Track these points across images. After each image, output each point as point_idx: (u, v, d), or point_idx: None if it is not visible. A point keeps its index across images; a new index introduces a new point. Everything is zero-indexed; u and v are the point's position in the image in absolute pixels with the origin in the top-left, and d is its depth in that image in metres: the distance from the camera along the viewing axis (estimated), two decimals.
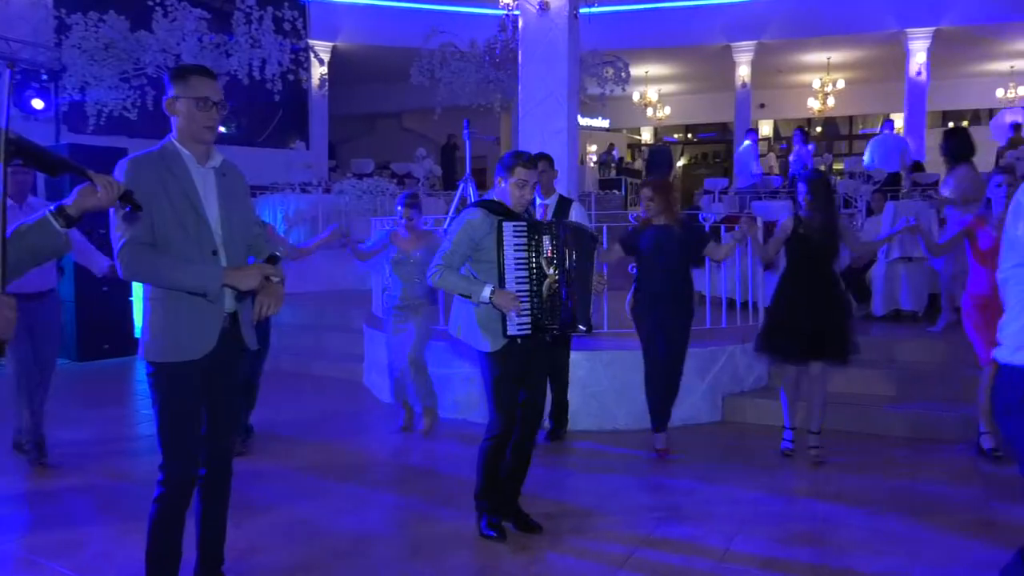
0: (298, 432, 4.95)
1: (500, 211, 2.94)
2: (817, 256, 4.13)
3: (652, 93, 17.76)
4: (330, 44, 14.37)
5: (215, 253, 2.30)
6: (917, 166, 10.46)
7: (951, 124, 16.15)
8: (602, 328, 5.31)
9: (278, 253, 2.40)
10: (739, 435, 4.88)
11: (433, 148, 14.25)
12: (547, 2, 5.82)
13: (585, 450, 4.59)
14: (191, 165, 2.34)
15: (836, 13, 13.33)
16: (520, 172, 2.95)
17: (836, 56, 15.54)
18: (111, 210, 2.14)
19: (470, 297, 2.90)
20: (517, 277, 2.86)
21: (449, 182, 12.72)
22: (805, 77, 16.84)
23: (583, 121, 14.63)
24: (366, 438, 4.92)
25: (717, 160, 19.90)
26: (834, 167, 14.05)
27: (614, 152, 16.96)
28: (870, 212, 7.71)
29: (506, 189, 2.99)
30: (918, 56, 13.51)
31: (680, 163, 19.66)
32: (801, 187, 4.18)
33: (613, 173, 15.53)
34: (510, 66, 10.27)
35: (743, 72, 14.63)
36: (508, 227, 2.86)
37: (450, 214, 4.85)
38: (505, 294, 2.86)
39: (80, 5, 9.75)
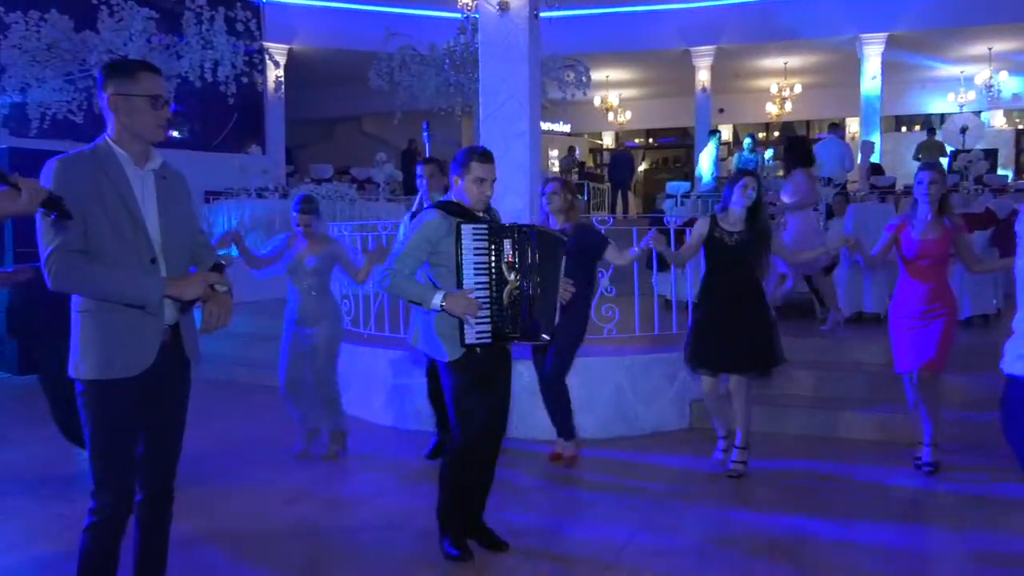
0: (222, 469, 4.39)
1: (458, 212, 2.84)
2: (735, 262, 3.99)
3: (613, 97, 17.84)
4: (286, 47, 14.14)
5: (154, 262, 2.17)
6: (876, 169, 10.60)
7: (790, 134, 16.49)
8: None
9: (222, 261, 2.30)
10: (704, 441, 4.78)
11: (393, 153, 14.17)
12: (506, 2, 5.71)
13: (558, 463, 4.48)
14: (128, 167, 2.19)
15: (792, 18, 13.52)
16: (476, 168, 2.86)
17: (793, 61, 15.76)
18: (37, 216, 2.00)
19: (422, 304, 2.81)
20: (477, 283, 2.76)
21: (409, 187, 12.57)
22: (763, 82, 17.07)
23: (544, 126, 14.59)
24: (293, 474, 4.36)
25: (678, 164, 20.09)
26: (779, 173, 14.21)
27: (575, 155, 16.94)
28: (831, 215, 7.76)
29: (462, 187, 2.89)
30: (872, 61, 13.76)
31: (641, 167, 19.77)
32: (726, 190, 4.09)
33: (575, 177, 15.52)
34: (470, 69, 10.19)
35: (703, 77, 14.75)
36: (467, 230, 2.76)
37: (404, 219, 4.67)
38: (459, 297, 2.75)
39: (20, 4, 9.38)
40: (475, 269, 2.74)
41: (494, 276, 2.76)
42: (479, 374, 2.86)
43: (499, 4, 5.71)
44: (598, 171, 18.36)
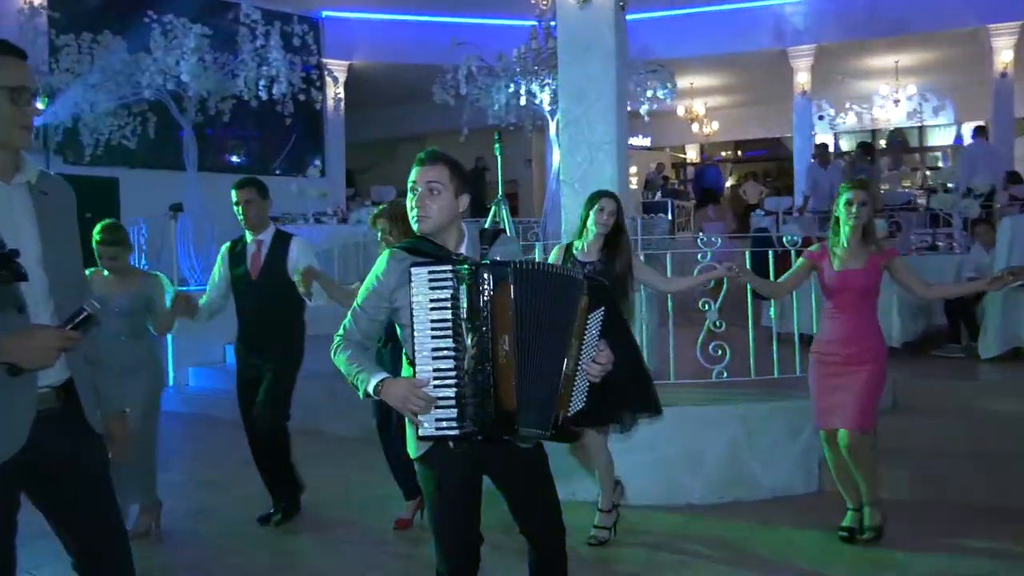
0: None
1: (429, 251, 2.34)
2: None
3: (699, 106, 17.30)
4: (346, 63, 14.19)
5: (21, 310, 1.86)
6: (1015, 178, 9.73)
7: None
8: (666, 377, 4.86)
9: (87, 308, 1.89)
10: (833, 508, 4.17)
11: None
12: None
13: (660, 535, 4.07)
14: None
15: (904, 8, 12.70)
16: (412, 174, 2.36)
17: (906, 59, 14.87)
18: None
19: (355, 387, 2.32)
20: (436, 350, 2.21)
21: (478, 208, 12.35)
22: (871, 84, 16.18)
23: None
24: None
25: (768, 179, 19.30)
26: (903, 183, 13.34)
27: (661, 171, 16.58)
28: (973, 230, 7.05)
29: None
30: (1003, 55, 12.79)
31: (728, 183, 19.11)
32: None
33: (659, 195, 15.07)
34: (544, 76, 9.88)
35: (801, 79, 14.03)
36: (420, 274, 2.21)
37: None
38: (399, 384, 2.23)
39: (73, 26, 9.56)
40: (433, 330, 2.21)
41: (462, 338, 2.22)
42: (456, 478, 2.32)
43: None
44: (682, 188, 17.75)
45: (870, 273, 3.81)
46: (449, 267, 2.21)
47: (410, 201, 2.34)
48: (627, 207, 5.45)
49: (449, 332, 2.20)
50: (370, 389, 2.25)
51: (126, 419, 2.31)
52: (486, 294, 2.18)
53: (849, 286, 3.81)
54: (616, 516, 4.00)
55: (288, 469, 4.35)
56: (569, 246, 4.00)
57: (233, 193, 4.20)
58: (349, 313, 2.39)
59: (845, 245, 3.82)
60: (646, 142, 18.73)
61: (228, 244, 4.36)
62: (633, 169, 17.46)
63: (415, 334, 2.20)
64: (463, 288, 2.19)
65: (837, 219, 3.86)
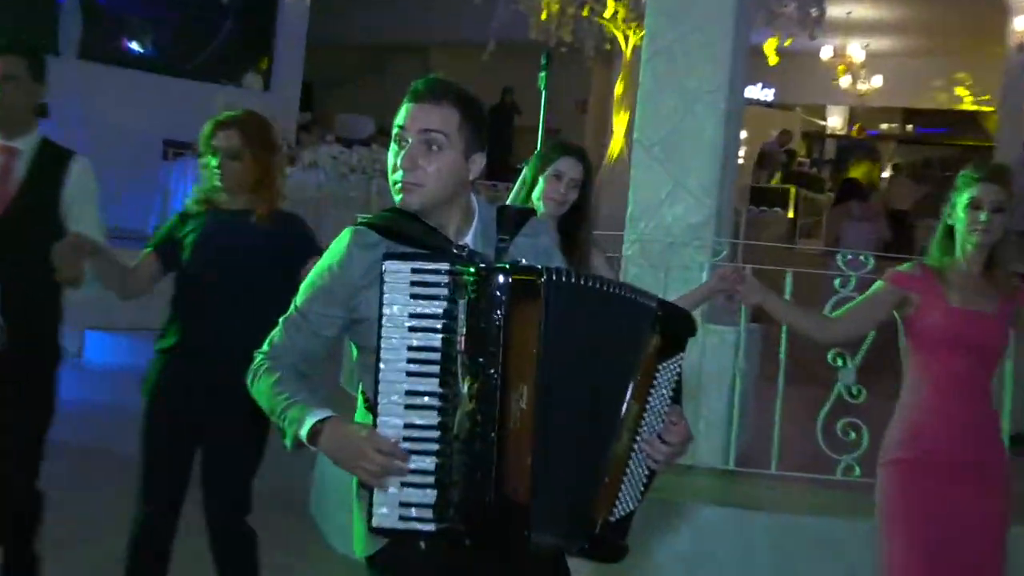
0: None
1: (415, 235, 2.38)
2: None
3: (855, 50, 17.24)
4: None
5: None
6: None
7: None
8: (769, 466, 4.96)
9: None
10: None
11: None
12: None
13: None
14: None
15: None
16: (403, 113, 2.38)
17: None
18: None
19: (282, 431, 2.36)
20: (412, 394, 2.25)
21: (499, 168, 12.30)
22: None
23: None
24: None
25: (947, 173, 19.18)
26: None
27: (786, 142, 16.80)
28: None
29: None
30: None
31: (886, 172, 19.03)
32: None
33: (778, 179, 15.23)
34: None
35: (1021, 26, 13.93)
36: (398, 271, 2.25)
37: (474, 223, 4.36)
38: (347, 433, 2.26)
39: None
40: (412, 362, 2.26)
41: (455, 385, 2.25)
42: None
43: None
44: (814, 171, 17.68)
45: (1002, 322, 3.64)
46: (445, 265, 2.24)
47: (393, 157, 2.36)
48: (724, 190, 5.61)
49: (435, 369, 2.22)
50: (302, 433, 2.26)
51: None
52: (499, 316, 2.19)
53: (974, 339, 3.62)
54: None
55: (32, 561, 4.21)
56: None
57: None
58: (281, 322, 2.45)
59: (966, 270, 3.64)
60: (767, 95, 18.83)
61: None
62: (743, 134, 17.42)
63: (381, 365, 2.21)
64: (463, 302, 2.21)
65: (948, 229, 3.67)
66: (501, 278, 2.19)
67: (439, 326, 2.22)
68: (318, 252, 3.67)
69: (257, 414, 2.61)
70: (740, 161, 15.98)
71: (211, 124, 3.93)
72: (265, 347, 2.45)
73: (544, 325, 2.19)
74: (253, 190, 3.92)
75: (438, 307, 2.22)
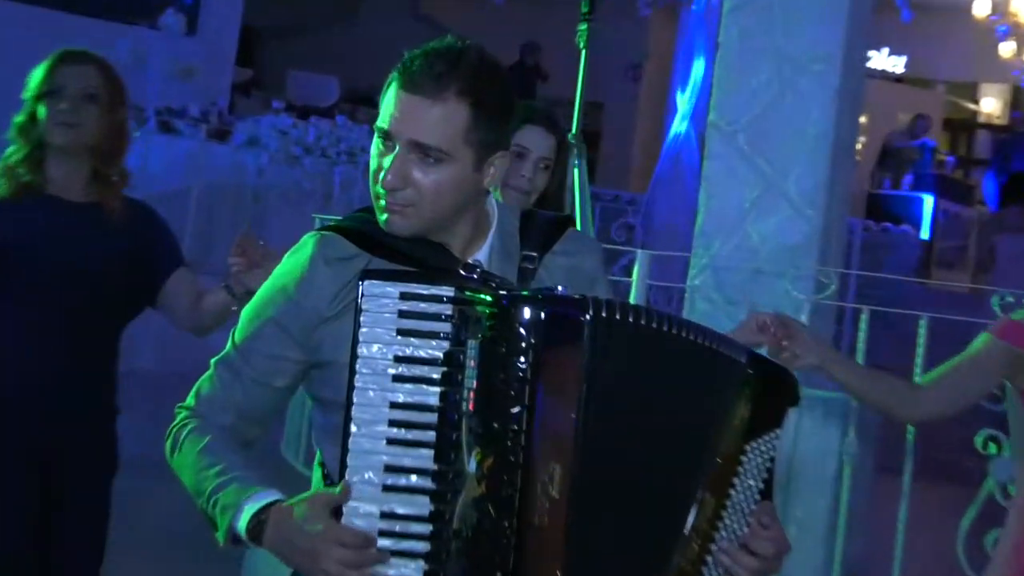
0: None
1: (404, 251, 2.46)
2: None
3: (1021, 6, 17.40)
4: None
5: None
6: None
7: None
8: None
9: None
10: None
11: None
12: None
13: None
14: None
15: None
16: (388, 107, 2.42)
17: None
18: None
19: (212, 521, 2.41)
20: (393, 470, 2.29)
21: None
22: None
23: None
24: None
25: None
26: None
27: (923, 129, 16.74)
28: None
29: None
30: None
31: None
32: None
33: (909, 181, 15.48)
34: None
35: None
36: (382, 293, 2.29)
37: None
38: (301, 523, 2.27)
39: None
40: (393, 424, 2.29)
41: (458, 457, 2.29)
42: None
43: None
44: (960, 174, 17.61)
45: None
46: (449, 290, 2.28)
47: (376, 158, 2.42)
48: (834, 198, 5.79)
49: (429, 436, 2.25)
50: (239, 525, 2.28)
51: None
52: (524, 364, 2.19)
53: None
54: None
55: None
56: None
57: None
58: (212, 365, 2.52)
59: None
60: (896, 65, 18.99)
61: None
62: (862, 120, 17.34)
63: (352, 427, 2.24)
64: (473, 343, 2.24)
65: None
66: (529, 311, 2.20)
67: (436, 376, 2.25)
68: (182, 263, 4.21)
69: None
70: (857, 158, 15.92)
71: (53, 59, 4.01)
72: (190, 400, 2.51)
73: (587, 381, 2.20)
74: (105, 163, 4.05)
75: (436, 349, 2.26)
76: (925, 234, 13.64)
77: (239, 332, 2.50)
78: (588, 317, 2.18)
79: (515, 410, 2.18)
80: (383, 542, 2.21)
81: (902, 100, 17.80)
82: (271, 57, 16.48)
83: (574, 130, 6.94)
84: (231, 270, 4.00)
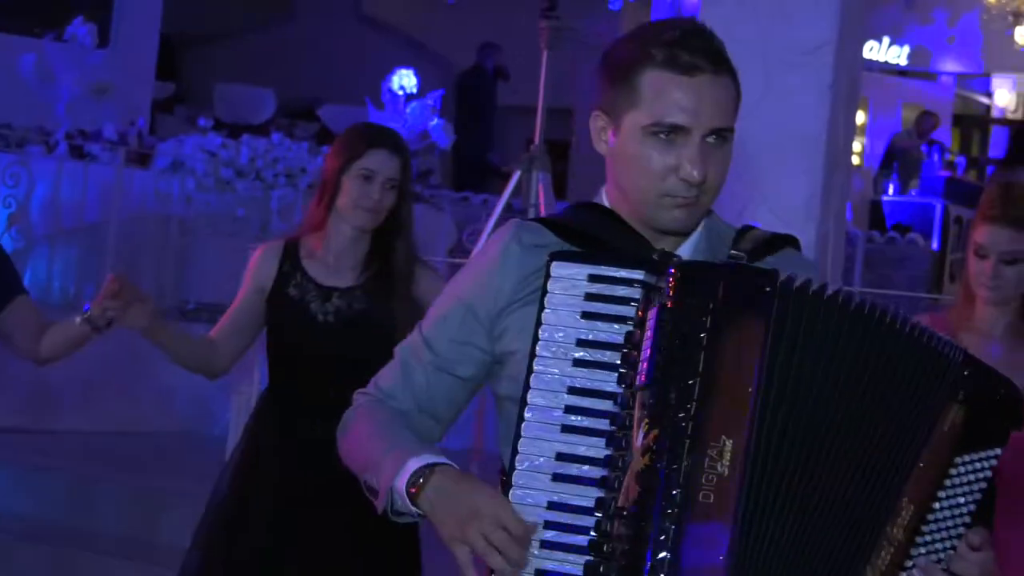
0: None
1: (601, 236, 2.54)
2: None
3: None
4: None
5: None
6: None
7: None
8: None
9: None
10: None
11: (438, 73, 14.55)
12: None
13: None
14: None
15: None
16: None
17: None
18: None
19: (373, 489, 2.54)
20: (564, 459, 2.38)
21: (477, 170, 12.40)
22: None
23: None
24: None
25: None
26: None
27: (927, 128, 17.03)
28: None
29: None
30: None
31: None
32: None
33: (917, 185, 15.62)
34: None
35: None
36: (564, 275, 2.42)
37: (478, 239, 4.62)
38: (465, 488, 2.40)
39: None
40: (571, 405, 2.38)
41: (627, 436, 2.36)
42: None
43: None
44: (972, 176, 18.78)
45: None
46: (640, 273, 2.35)
47: (656, 163, 2.46)
48: (830, 205, 5.82)
49: (604, 424, 2.33)
50: (401, 484, 2.40)
51: None
52: (703, 333, 2.28)
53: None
54: None
55: None
56: (291, 245, 4.45)
57: None
58: (396, 352, 2.67)
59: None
60: (899, 56, 19.01)
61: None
62: (860, 118, 17.20)
63: (527, 414, 2.35)
64: (651, 312, 2.35)
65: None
66: (711, 277, 2.30)
67: (618, 360, 2.32)
68: (21, 291, 4.37)
69: None
70: (856, 160, 15.72)
71: None
72: (370, 387, 2.67)
73: (769, 354, 2.26)
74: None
75: (619, 333, 2.34)
76: (935, 244, 13.86)
77: (426, 324, 2.62)
78: (773, 288, 2.25)
79: (689, 379, 2.23)
80: (547, 534, 2.28)
81: (905, 95, 17.80)
82: (196, 68, 16.78)
83: (539, 138, 6.71)
84: (105, 315, 4.11)
